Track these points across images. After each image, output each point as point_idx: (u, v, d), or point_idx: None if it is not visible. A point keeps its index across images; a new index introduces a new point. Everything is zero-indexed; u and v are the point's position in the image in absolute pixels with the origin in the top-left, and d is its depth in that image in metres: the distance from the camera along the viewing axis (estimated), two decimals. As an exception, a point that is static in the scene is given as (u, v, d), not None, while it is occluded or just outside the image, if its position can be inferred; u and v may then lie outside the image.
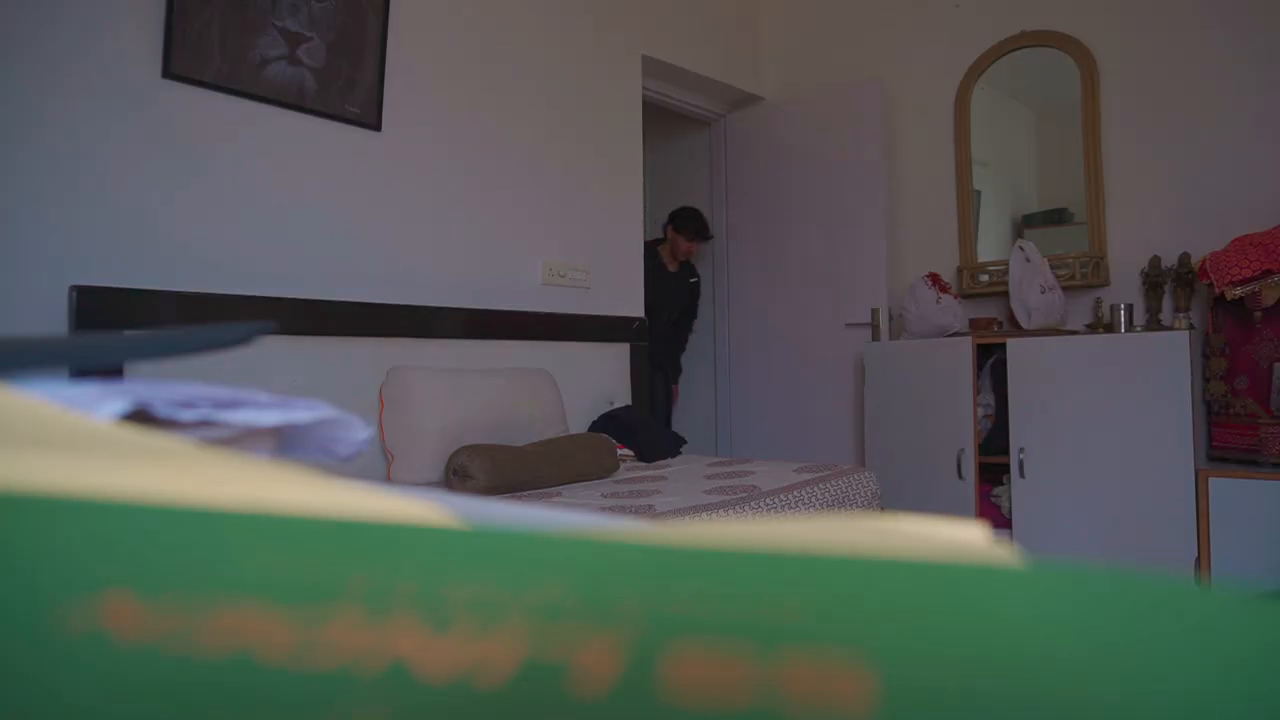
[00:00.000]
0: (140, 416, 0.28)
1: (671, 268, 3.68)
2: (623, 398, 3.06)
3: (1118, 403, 2.52)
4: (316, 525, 0.13)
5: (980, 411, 2.88)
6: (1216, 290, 2.48)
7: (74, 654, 0.12)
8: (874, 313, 3.26)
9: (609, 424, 2.77)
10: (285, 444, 0.32)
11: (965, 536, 0.19)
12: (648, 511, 1.82)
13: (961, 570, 0.12)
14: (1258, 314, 2.46)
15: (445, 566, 0.12)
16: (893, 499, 2.88)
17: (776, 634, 0.12)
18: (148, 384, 0.30)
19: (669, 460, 2.70)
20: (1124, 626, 0.12)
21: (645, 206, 3.58)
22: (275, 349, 2.03)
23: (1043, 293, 2.81)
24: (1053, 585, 0.12)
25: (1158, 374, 2.47)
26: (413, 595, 0.12)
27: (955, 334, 2.97)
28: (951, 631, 0.12)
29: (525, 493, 2.07)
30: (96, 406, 0.27)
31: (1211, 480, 2.37)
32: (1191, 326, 2.62)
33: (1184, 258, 2.69)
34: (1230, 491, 2.34)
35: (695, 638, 0.12)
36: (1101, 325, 2.83)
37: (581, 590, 0.12)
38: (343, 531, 0.13)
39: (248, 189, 2.07)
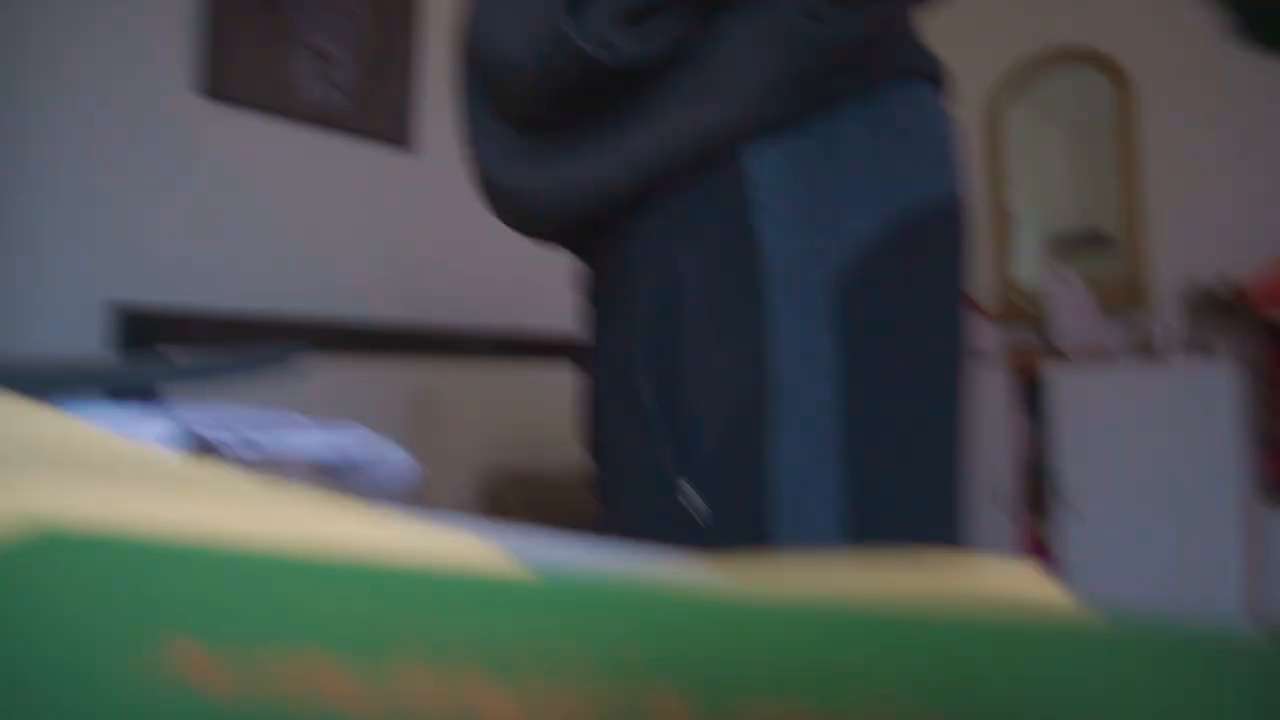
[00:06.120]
0: (183, 441, 0.28)
1: None
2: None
3: (1163, 433, 2.44)
4: (381, 570, 0.12)
5: (1017, 440, 2.83)
6: (1260, 313, 2.43)
7: (143, 705, 0.12)
8: (905, 334, 3.22)
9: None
10: (326, 470, 0.31)
11: (1026, 585, 0.18)
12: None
13: (1035, 630, 0.12)
14: (1303, 338, 2.40)
15: (511, 616, 0.12)
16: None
17: (847, 693, 0.11)
18: (187, 408, 0.30)
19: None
20: (1209, 694, 0.11)
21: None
22: (307, 370, 2.05)
23: (1079, 316, 2.77)
24: (1133, 646, 0.12)
25: (1205, 404, 2.39)
26: (477, 645, 0.12)
27: (989, 359, 2.93)
28: (1026, 695, 0.11)
29: (564, 523, 2.06)
30: (138, 430, 0.27)
31: (1268, 518, 2.28)
32: (1236, 352, 2.56)
33: (1225, 280, 2.64)
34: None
35: (767, 698, 0.11)
36: (1143, 349, 2.78)
37: (651, 644, 0.12)
38: (408, 577, 0.12)
39: (279, 208, 2.10)
